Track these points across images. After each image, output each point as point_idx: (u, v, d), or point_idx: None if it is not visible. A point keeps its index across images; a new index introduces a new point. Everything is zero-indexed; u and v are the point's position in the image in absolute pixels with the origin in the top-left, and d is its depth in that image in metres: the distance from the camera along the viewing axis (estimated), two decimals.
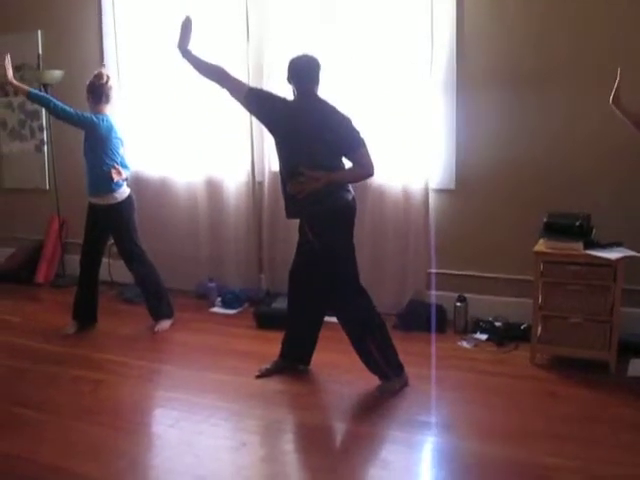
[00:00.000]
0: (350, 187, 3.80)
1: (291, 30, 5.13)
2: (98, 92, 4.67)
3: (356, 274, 3.82)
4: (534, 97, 4.59)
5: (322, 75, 3.80)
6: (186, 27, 3.76)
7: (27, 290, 6.15)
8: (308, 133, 3.67)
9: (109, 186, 4.71)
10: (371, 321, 3.83)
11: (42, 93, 4.63)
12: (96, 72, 4.76)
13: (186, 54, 3.79)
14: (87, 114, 4.64)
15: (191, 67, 3.82)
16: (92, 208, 4.81)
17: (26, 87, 4.61)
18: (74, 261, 5.49)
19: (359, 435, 3.46)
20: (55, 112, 4.59)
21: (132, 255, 4.89)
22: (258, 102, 3.80)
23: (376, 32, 4.89)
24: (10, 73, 4.63)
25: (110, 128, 4.70)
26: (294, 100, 3.78)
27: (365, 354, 3.82)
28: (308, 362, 4.15)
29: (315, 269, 3.83)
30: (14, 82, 4.63)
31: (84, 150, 4.76)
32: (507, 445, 3.27)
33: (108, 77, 4.73)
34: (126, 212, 4.81)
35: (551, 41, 4.52)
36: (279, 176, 3.85)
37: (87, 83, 4.71)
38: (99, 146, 4.67)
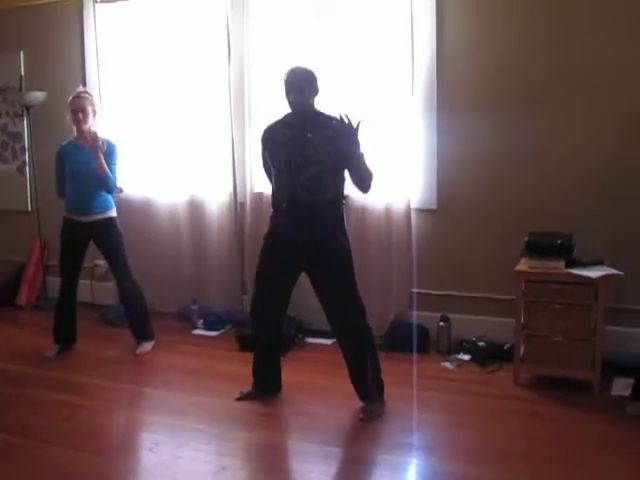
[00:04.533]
0: None
1: (273, 51, 5.14)
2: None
3: None
4: (514, 117, 4.60)
5: None
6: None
7: (8, 312, 6.09)
8: None
9: (110, 202, 4.79)
10: (371, 338, 3.85)
11: (113, 179, 4.69)
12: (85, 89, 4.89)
13: (362, 157, 3.66)
14: (117, 152, 4.75)
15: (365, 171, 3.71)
16: (86, 226, 4.72)
17: (106, 169, 4.63)
18: (56, 283, 5.43)
19: (342, 457, 3.43)
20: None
21: (126, 269, 4.85)
22: None
23: (357, 52, 4.91)
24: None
25: None
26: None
27: (359, 372, 3.80)
28: (278, 389, 4.12)
29: (328, 281, 3.78)
30: (103, 161, 4.61)
31: (83, 171, 4.67)
32: (491, 467, 3.23)
33: None
34: (119, 227, 4.83)
35: (531, 62, 4.54)
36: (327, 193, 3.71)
37: (91, 96, 4.77)
38: (108, 165, 4.68)
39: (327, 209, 3.70)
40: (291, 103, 3.69)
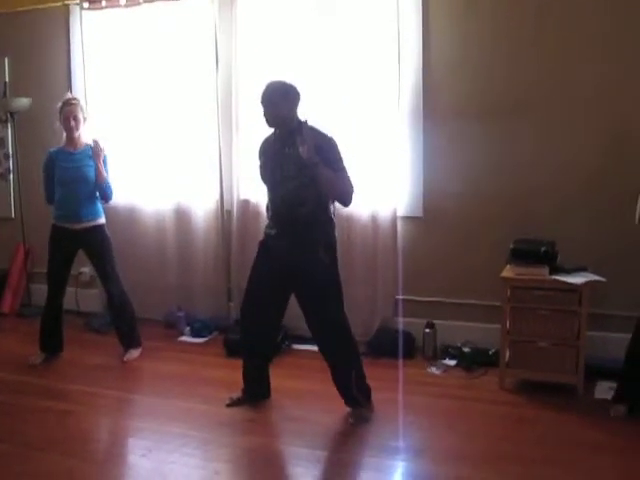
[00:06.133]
0: None
1: (260, 60, 5.18)
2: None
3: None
4: (500, 128, 4.68)
5: None
6: (308, 134, 3.60)
7: None
8: None
9: (100, 209, 4.80)
10: (355, 351, 3.87)
11: (111, 187, 4.77)
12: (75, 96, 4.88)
13: (323, 167, 3.58)
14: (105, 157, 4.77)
15: (326, 182, 3.62)
16: (76, 234, 4.72)
17: (106, 176, 4.71)
18: (40, 290, 5.42)
19: (331, 461, 3.48)
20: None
21: (115, 276, 4.85)
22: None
23: (344, 62, 4.96)
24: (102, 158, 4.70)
25: None
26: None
27: (343, 382, 3.83)
28: (268, 396, 4.14)
29: (306, 292, 3.82)
30: (102, 168, 4.67)
31: (73, 178, 4.66)
32: (479, 469, 3.29)
33: None
34: (108, 234, 4.84)
35: (518, 73, 4.62)
36: (307, 204, 3.70)
37: (80, 103, 4.76)
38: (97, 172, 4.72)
39: (308, 223, 3.72)
40: (264, 117, 3.72)
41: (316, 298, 3.80)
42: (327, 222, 3.78)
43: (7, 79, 6.22)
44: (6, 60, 6.21)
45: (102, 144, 4.70)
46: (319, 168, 3.56)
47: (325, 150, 3.63)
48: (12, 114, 5.96)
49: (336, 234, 3.84)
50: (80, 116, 4.70)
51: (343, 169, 3.69)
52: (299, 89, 3.76)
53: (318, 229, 3.74)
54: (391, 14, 4.80)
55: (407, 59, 4.82)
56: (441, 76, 4.81)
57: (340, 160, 3.69)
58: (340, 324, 3.82)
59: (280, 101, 3.68)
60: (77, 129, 4.70)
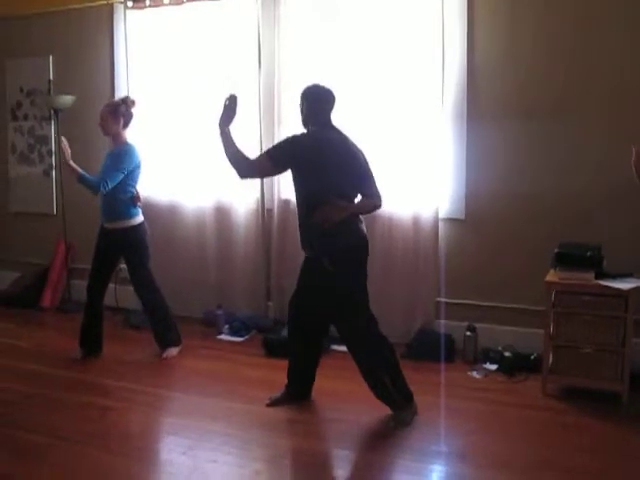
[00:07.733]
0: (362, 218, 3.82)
1: (302, 58, 5.19)
2: (129, 117, 4.73)
3: (368, 305, 3.81)
4: (544, 129, 4.62)
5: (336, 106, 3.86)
6: (230, 106, 3.72)
7: (32, 315, 6.13)
8: (336, 163, 3.68)
9: (129, 211, 4.73)
10: (383, 352, 3.80)
11: (93, 178, 4.60)
12: (125, 97, 4.83)
13: (224, 134, 3.73)
14: (127, 159, 4.66)
15: (221, 145, 3.76)
16: (107, 234, 4.78)
17: (80, 171, 4.59)
18: (80, 286, 5.48)
19: (372, 464, 3.43)
20: (107, 189, 4.60)
21: (143, 280, 4.86)
22: (285, 154, 3.69)
23: (389, 62, 4.95)
24: (68, 154, 4.61)
25: (139, 157, 4.76)
26: (318, 131, 3.74)
27: (378, 385, 3.79)
28: (309, 396, 4.12)
29: (321, 301, 3.80)
30: (71, 164, 4.61)
31: None
32: (519, 476, 3.25)
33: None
34: (141, 235, 4.80)
35: (561, 74, 4.57)
36: (298, 208, 3.78)
37: (114, 105, 4.71)
38: (127, 174, 4.67)
39: (307, 227, 3.73)
40: None
41: (324, 307, 3.81)
42: (324, 229, 3.63)
43: (51, 77, 6.32)
44: (50, 58, 6.31)
45: (65, 142, 4.65)
46: (221, 135, 3.74)
47: None
48: (56, 111, 6.03)
49: (354, 240, 3.72)
50: (107, 118, 4.67)
51: (261, 154, 3.87)
52: (327, 92, 3.79)
53: (317, 231, 3.66)
54: (436, 14, 4.76)
55: (451, 59, 4.79)
56: (485, 76, 4.76)
57: (269, 148, 3.84)
58: (352, 329, 3.79)
59: (301, 106, 3.83)
60: (104, 130, 4.72)
